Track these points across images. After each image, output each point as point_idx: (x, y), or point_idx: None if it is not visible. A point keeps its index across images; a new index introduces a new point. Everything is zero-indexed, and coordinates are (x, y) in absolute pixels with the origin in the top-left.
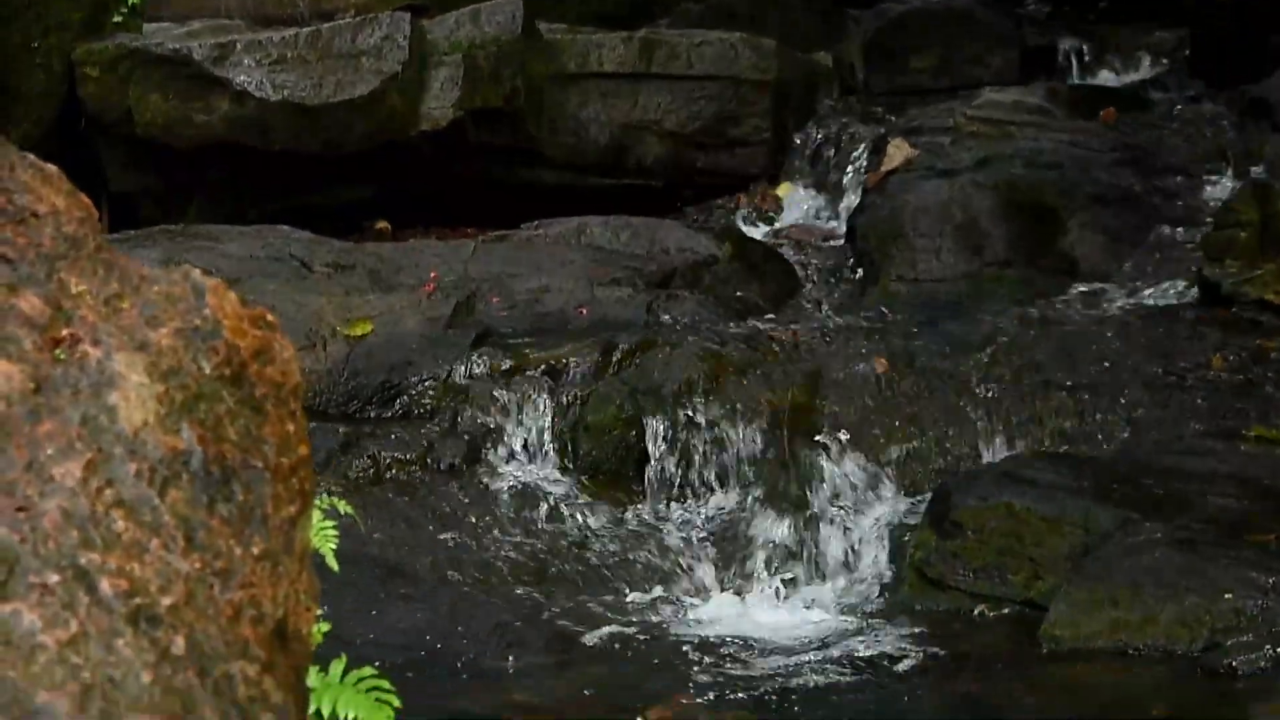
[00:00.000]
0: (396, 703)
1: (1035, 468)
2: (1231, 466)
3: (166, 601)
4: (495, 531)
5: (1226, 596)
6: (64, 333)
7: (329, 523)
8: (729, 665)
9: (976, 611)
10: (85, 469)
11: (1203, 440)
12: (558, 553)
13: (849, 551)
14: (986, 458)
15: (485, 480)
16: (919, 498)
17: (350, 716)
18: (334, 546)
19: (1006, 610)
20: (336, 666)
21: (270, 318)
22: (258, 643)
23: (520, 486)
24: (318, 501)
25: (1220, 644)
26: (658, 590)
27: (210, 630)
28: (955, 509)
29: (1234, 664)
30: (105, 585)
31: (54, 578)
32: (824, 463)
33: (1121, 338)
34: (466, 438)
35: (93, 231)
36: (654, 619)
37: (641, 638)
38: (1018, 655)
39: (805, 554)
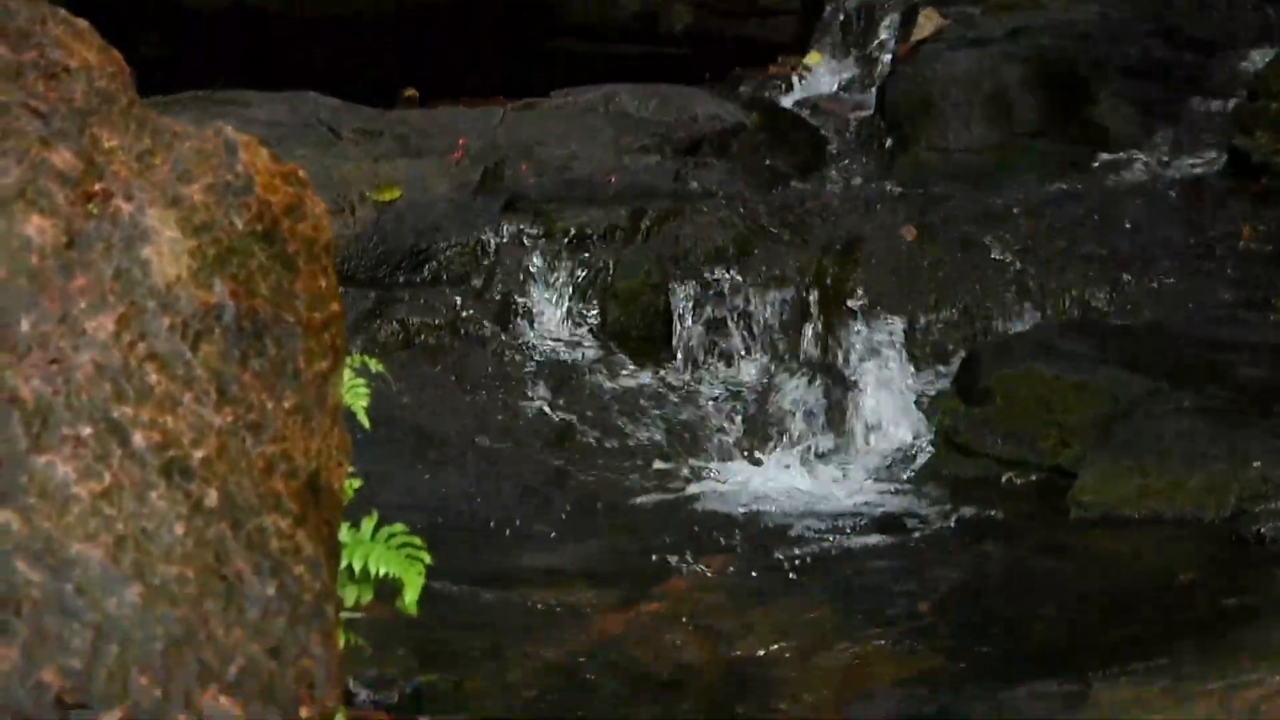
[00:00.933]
0: (427, 559)
1: (1064, 336)
2: (1261, 336)
3: (199, 454)
4: (523, 396)
5: (1255, 464)
6: (96, 187)
7: (360, 380)
8: (755, 529)
9: (1004, 478)
10: (118, 323)
11: (1232, 310)
12: (584, 418)
13: (876, 418)
14: (1015, 327)
15: (513, 345)
16: (948, 366)
17: (382, 572)
18: (365, 404)
19: (1034, 477)
20: (368, 523)
21: (301, 174)
22: (290, 496)
23: (548, 352)
24: (349, 359)
25: (1248, 511)
26: (684, 455)
27: (243, 483)
28: (984, 377)
29: (1261, 531)
30: (138, 438)
31: (87, 430)
32: (852, 330)
33: (1151, 208)
34: (495, 303)
35: (124, 87)
36: (680, 484)
37: (668, 502)
38: (1045, 521)
39: (832, 421)
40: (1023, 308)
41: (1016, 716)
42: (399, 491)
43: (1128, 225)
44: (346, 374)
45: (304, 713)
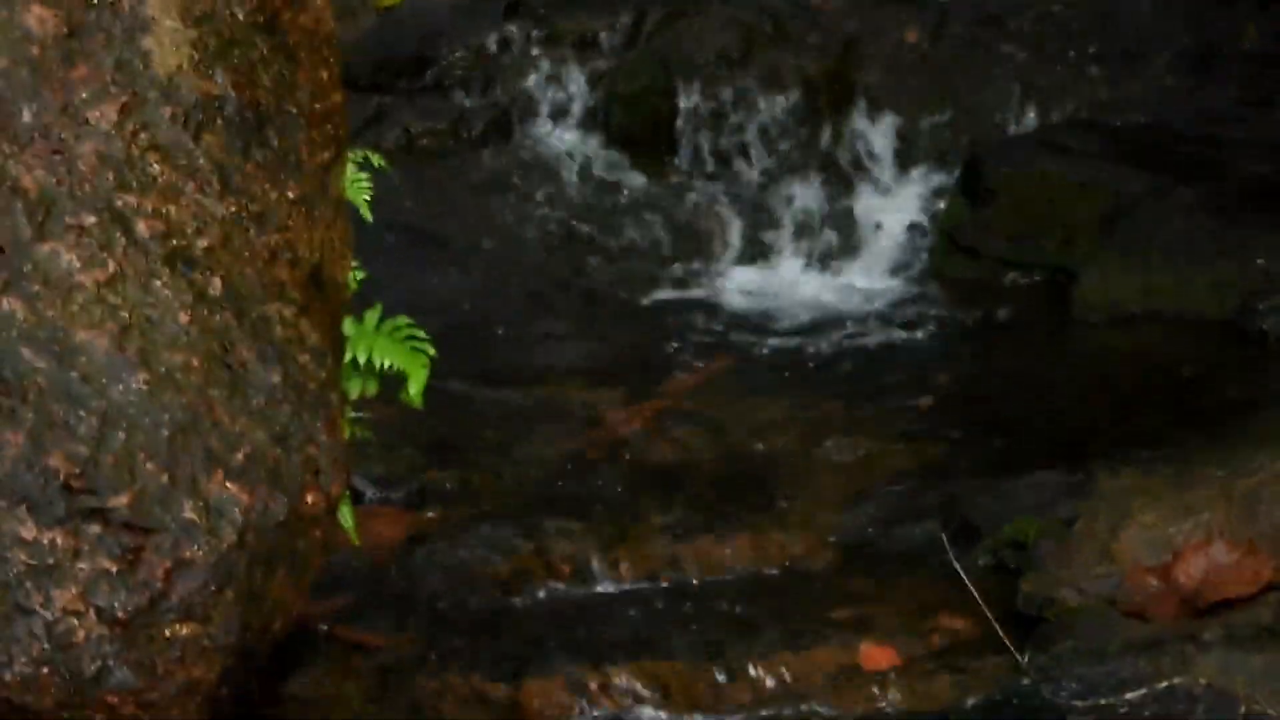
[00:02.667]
0: (431, 351)
1: (1068, 135)
2: (1266, 133)
3: (203, 244)
4: (527, 200)
5: (1259, 261)
6: None
7: (363, 175)
8: (759, 329)
9: (1008, 278)
10: (120, 113)
11: (1236, 109)
12: (589, 221)
13: (880, 220)
14: (1018, 128)
15: (517, 150)
16: (951, 167)
17: (386, 364)
18: (368, 198)
19: (1038, 277)
20: (371, 315)
21: None
22: (294, 285)
23: (552, 157)
24: (351, 155)
25: (1252, 307)
26: (688, 257)
27: (247, 272)
28: (987, 177)
29: (1265, 327)
30: (142, 227)
31: (90, 219)
32: (856, 132)
33: (1155, 7)
34: (498, 108)
35: None
36: (685, 286)
37: (672, 302)
38: (1049, 320)
39: (836, 223)
40: (1026, 108)
41: (1020, 505)
42: (403, 294)
43: (1131, 24)
44: (349, 168)
45: (310, 499)
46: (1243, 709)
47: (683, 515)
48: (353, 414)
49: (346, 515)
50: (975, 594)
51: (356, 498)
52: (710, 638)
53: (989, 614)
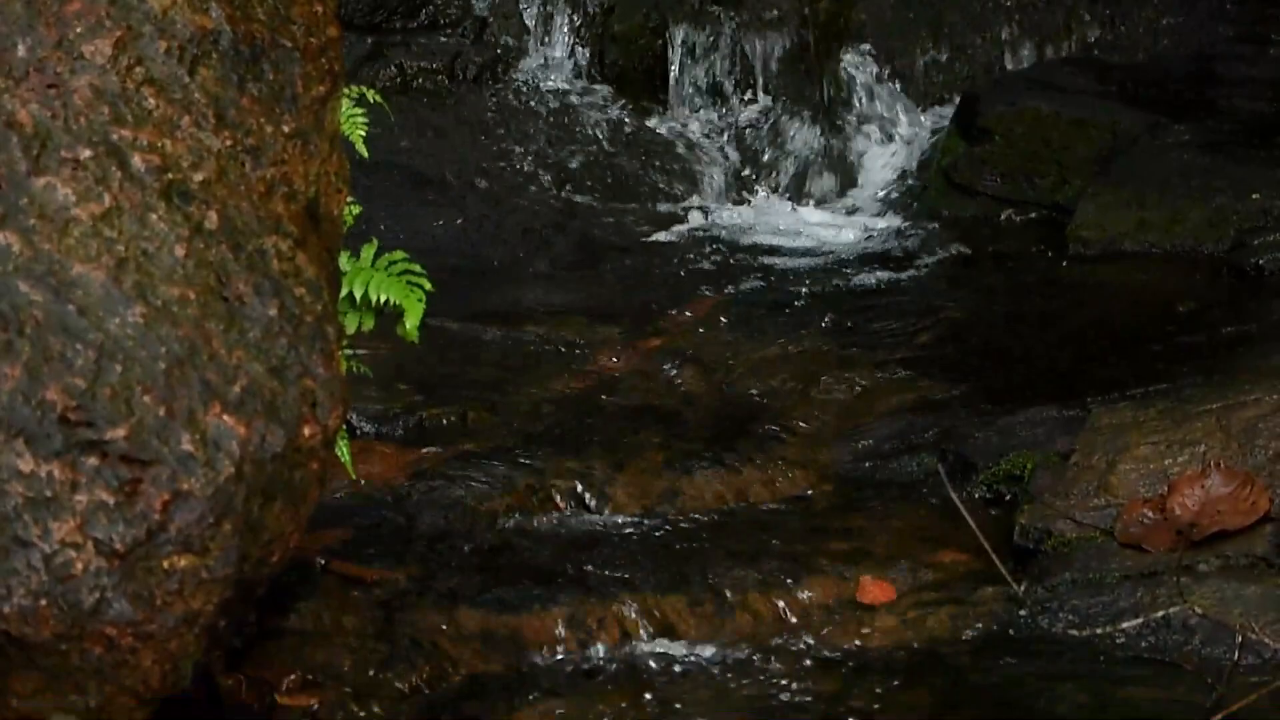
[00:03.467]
0: (428, 286)
1: (1063, 73)
2: (1261, 71)
3: (198, 177)
4: (522, 140)
5: (1254, 196)
6: None
7: (358, 110)
8: (755, 267)
9: (1003, 216)
10: (115, 46)
11: (1232, 45)
12: (584, 161)
13: (875, 158)
14: (1014, 65)
15: (512, 89)
16: (946, 105)
17: (382, 299)
18: (363, 134)
19: (1033, 214)
20: (368, 250)
21: None
22: (290, 219)
23: (546, 96)
24: (346, 90)
25: (1247, 243)
26: (683, 196)
27: (243, 206)
28: (983, 114)
29: (1260, 262)
30: (137, 161)
31: (86, 153)
32: (851, 71)
33: None
34: (492, 47)
35: None
36: (679, 224)
37: (667, 241)
38: (1044, 257)
39: (831, 161)
40: (1022, 46)
41: (1015, 440)
42: (398, 233)
43: None
44: (345, 104)
45: (307, 431)
46: (1239, 638)
47: (679, 451)
48: (350, 351)
49: (343, 450)
50: (973, 525)
51: (354, 434)
52: (708, 571)
53: (986, 545)
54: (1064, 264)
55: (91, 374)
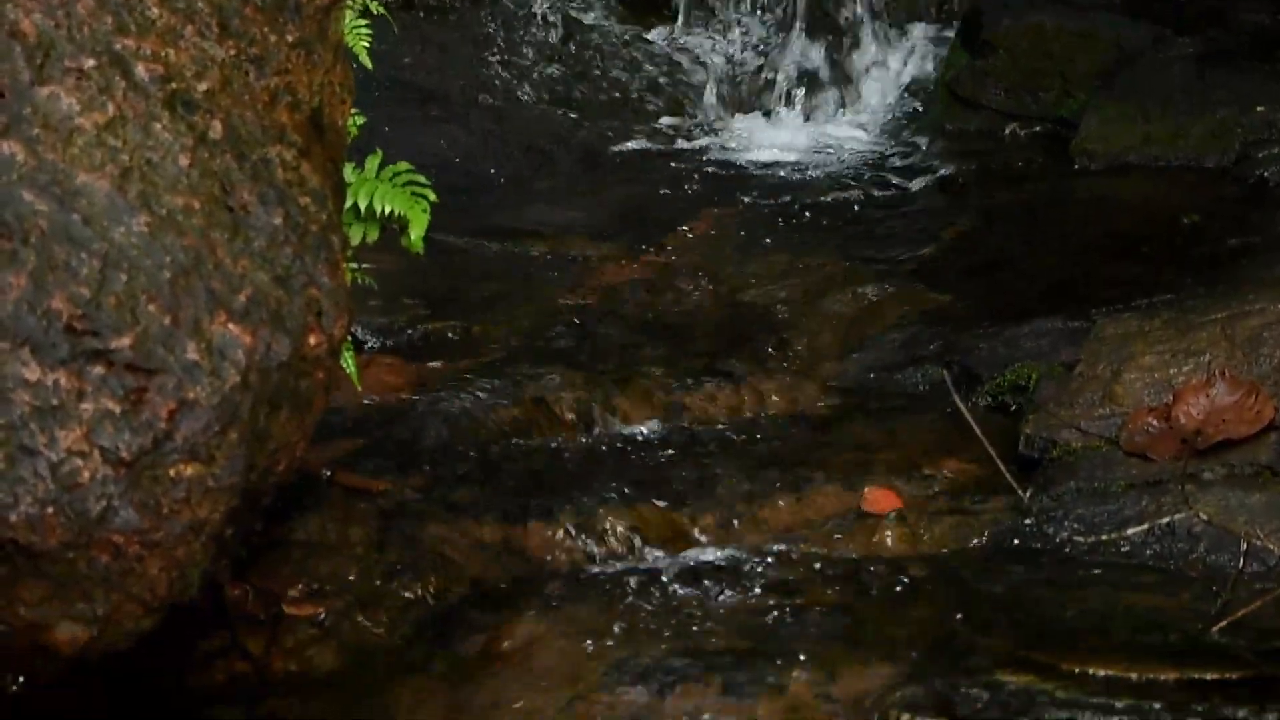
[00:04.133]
0: (432, 197)
1: None
2: None
3: (202, 87)
4: (526, 56)
5: (1258, 109)
6: None
7: (362, 21)
8: (759, 182)
9: (1008, 130)
10: None
11: None
12: (588, 77)
13: (879, 73)
14: None
15: (515, 6)
16: (950, 19)
17: (387, 209)
18: (367, 45)
19: (1038, 128)
20: (372, 161)
21: None
22: (294, 129)
23: (551, 12)
24: (350, 2)
25: (1251, 156)
26: (688, 112)
27: (247, 115)
28: (986, 28)
29: (1265, 175)
30: (141, 70)
31: (90, 62)
32: None
33: None
34: None
35: None
36: (684, 139)
37: (672, 157)
38: (1049, 170)
39: (835, 76)
40: None
41: (1020, 351)
42: (402, 149)
43: None
44: (348, 15)
45: (312, 340)
46: (1243, 546)
47: (683, 364)
48: (355, 265)
49: (349, 361)
50: (978, 432)
51: (359, 347)
52: (712, 482)
53: (992, 452)
54: (1068, 177)
55: (96, 283)
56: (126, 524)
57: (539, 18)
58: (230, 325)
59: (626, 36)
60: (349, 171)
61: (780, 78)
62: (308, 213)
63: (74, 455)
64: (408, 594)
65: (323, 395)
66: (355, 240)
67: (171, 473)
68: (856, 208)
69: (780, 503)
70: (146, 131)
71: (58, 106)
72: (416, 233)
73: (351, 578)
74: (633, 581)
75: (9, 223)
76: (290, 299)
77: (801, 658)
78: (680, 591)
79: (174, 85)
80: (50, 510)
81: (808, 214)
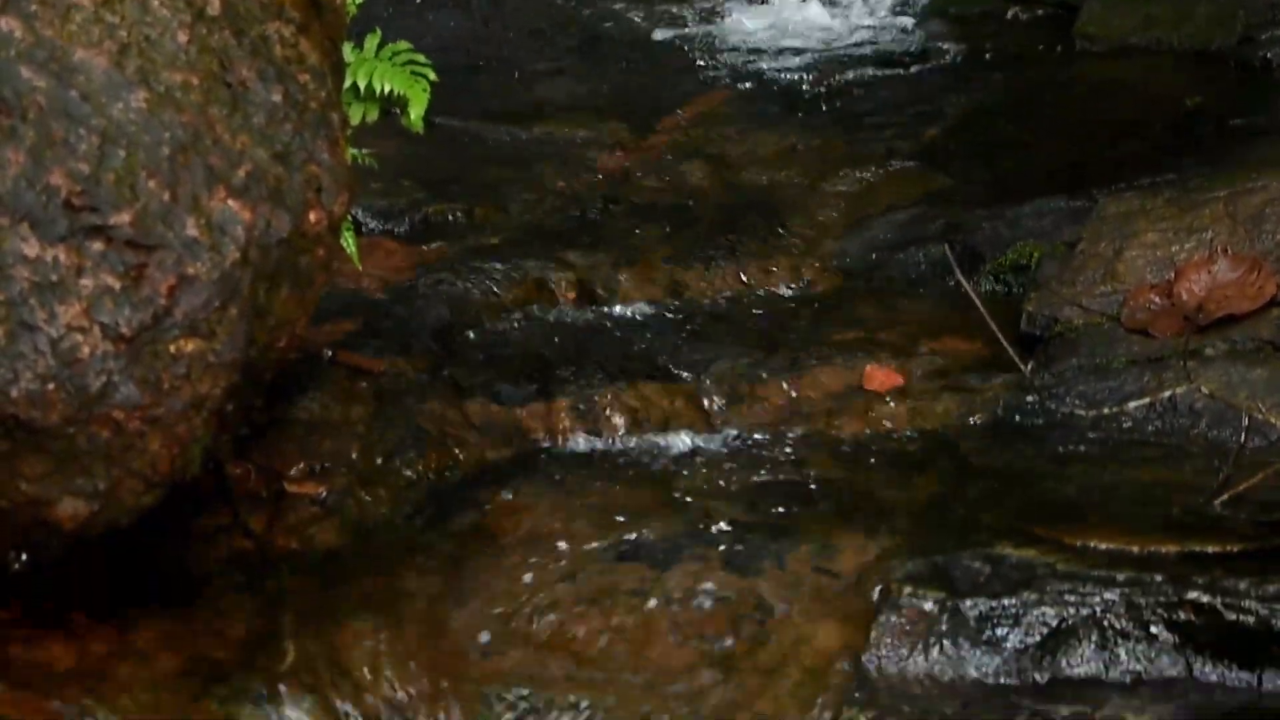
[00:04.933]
0: (432, 76)
1: None
2: None
3: None
4: None
5: None
6: None
7: None
8: (762, 65)
9: (1009, 13)
10: None
11: None
12: None
13: None
14: None
15: None
16: None
17: (387, 88)
18: None
19: (1040, 11)
20: (371, 40)
21: None
22: (292, 5)
23: None
24: None
25: (1254, 38)
26: None
27: None
28: None
29: (1268, 56)
30: None
31: None
32: None
33: None
34: None
35: None
36: (686, 23)
37: (673, 39)
38: (1051, 53)
39: None
40: None
41: (1023, 230)
42: (401, 32)
43: None
44: None
45: (312, 216)
46: (1245, 420)
47: (686, 244)
48: (356, 148)
49: (349, 240)
50: (981, 307)
51: (360, 229)
52: (712, 360)
53: (994, 327)
54: (1071, 60)
55: (95, 159)
56: (127, 400)
57: None
58: (230, 201)
59: None
60: (348, 51)
61: None
62: (307, 90)
63: (74, 331)
64: (409, 472)
65: (323, 272)
66: (355, 120)
67: (172, 348)
68: (859, 90)
69: (782, 381)
70: (144, 8)
71: None
72: (416, 112)
73: (353, 456)
74: (634, 459)
75: (7, 99)
76: (290, 175)
77: (802, 533)
78: (682, 468)
79: None
80: (51, 386)
81: (810, 96)
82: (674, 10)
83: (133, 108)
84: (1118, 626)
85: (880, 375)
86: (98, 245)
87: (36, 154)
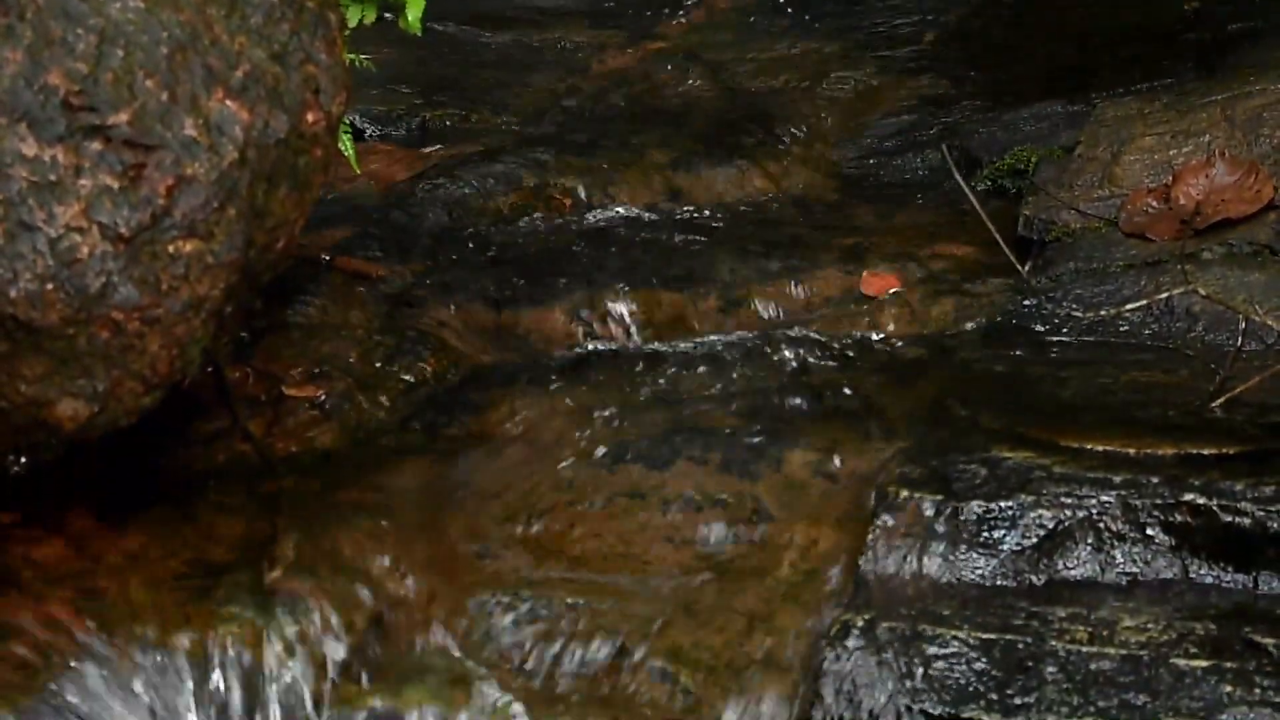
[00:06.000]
0: None
1: None
2: None
3: None
4: None
5: None
6: None
7: None
8: None
9: None
10: None
11: None
12: None
13: None
14: None
15: None
16: None
17: None
18: None
19: None
20: None
21: None
22: None
23: None
24: None
25: None
26: None
27: None
28: None
29: None
30: None
31: None
32: None
33: None
34: None
35: None
36: None
37: None
38: None
39: None
40: None
41: (1020, 134)
42: None
43: None
44: None
45: (310, 116)
46: (1242, 324)
47: (683, 150)
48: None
49: (347, 144)
50: (979, 208)
51: (358, 135)
52: (710, 266)
53: (991, 228)
54: None
55: (93, 58)
56: (126, 300)
57: None
58: (228, 101)
59: None
60: None
61: None
62: None
63: (72, 231)
64: (407, 376)
65: (321, 173)
66: (352, 21)
67: (170, 249)
68: None
69: (780, 285)
70: None
71: None
72: (414, 14)
73: (351, 360)
74: (632, 363)
75: None
76: (287, 75)
77: (800, 435)
78: (680, 372)
79: None
80: (50, 286)
81: (807, 1)
82: None
83: (130, 7)
84: (1114, 528)
85: (878, 279)
86: (96, 145)
87: (34, 53)
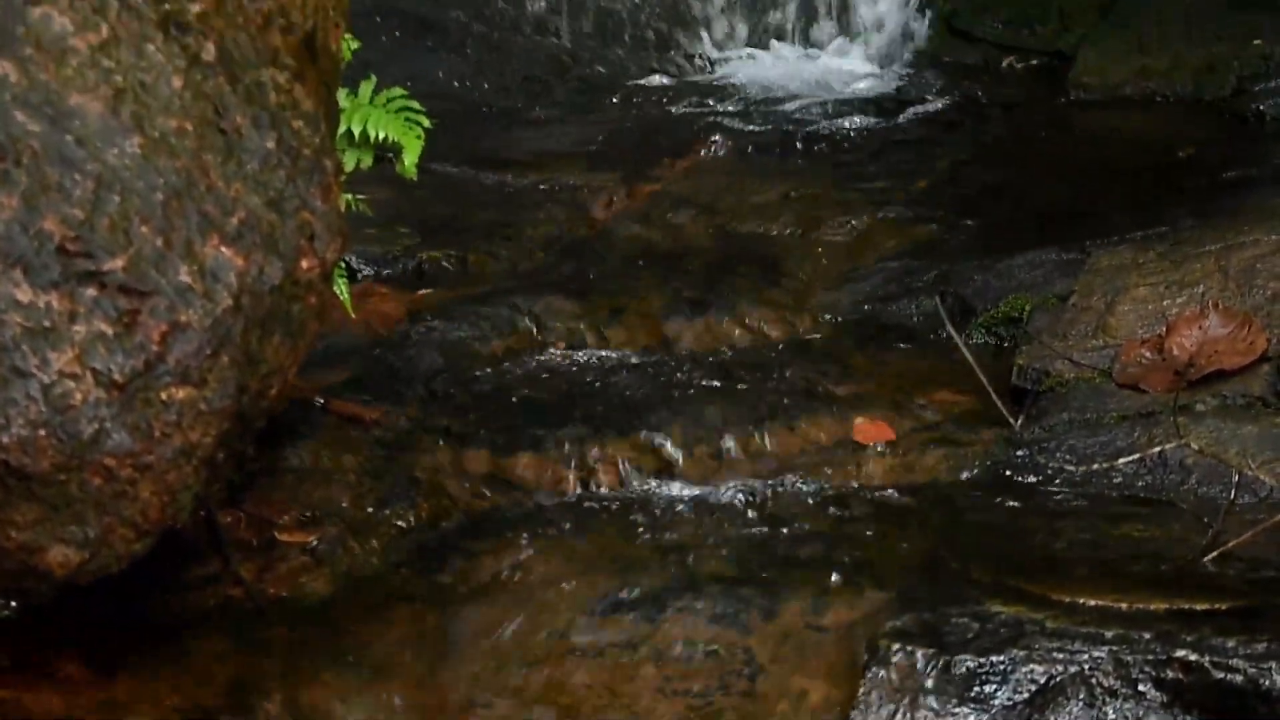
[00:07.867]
0: (426, 123)
1: None
2: None
3: (196, 9)
4: None
5: (1255, 43)
6: None
7: None
8: (755, 114)
9: (1004, 63)
10: None
11: None
12: (585, 7)
13: (877, 5)
14: None
15: None
16: None
17: (381, 135)
18: None
19: (1034, 61)
20: (366, 87)
21: None
22: (288, 52)
23: None
24: None
25: (1248, 89)
26: (685, 44)
27: (240, 38)
28: None
29: (1261, 108)
30: None
31: None
32: None
33: None
34: None
35: None
36: (681, 71)
37: (668, 88)
38: (1045, 103)
39: (833, 8)
40: None
41: (1015, 282)
42: (397, 78)
43: None
44: None
45: (305, 264)
46: (1235, 477)
47: (677, 294)
48: (350, 194)
49: (342, 288)
50: (971, 360)
51: (353, 275)
52: (703, 412)
53: (984, 379)
54: (1064, 110)
55: (89, 204)
56: (119, 447)
57: None
58: (223, 248)
59: None
60: (343, 97)
61: (779, 9)
62: (301, 136)
63: (66, 377)
64: (400, 522)
65: (316, 320)
66: (349, 166)
67: (164, 396)
68: (852, 139)
69: (772, 433)
70: (140, 53)
71: (51, 26)
72: (411, 159)
73: (344, 505)
74: (625, 511)
75: (1, 144)
76: (283, 222)
77: (792, 586)
78: (671, 521)
79: (167, 6)
80: (42, 432)
81: (803, 145)
82: (668, 58)
83: (127, 153)
84: (1106, 684)
85: (870, 428)
86: (91, 291)
87: (30, 199)
